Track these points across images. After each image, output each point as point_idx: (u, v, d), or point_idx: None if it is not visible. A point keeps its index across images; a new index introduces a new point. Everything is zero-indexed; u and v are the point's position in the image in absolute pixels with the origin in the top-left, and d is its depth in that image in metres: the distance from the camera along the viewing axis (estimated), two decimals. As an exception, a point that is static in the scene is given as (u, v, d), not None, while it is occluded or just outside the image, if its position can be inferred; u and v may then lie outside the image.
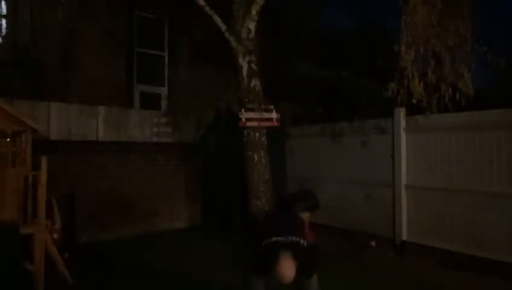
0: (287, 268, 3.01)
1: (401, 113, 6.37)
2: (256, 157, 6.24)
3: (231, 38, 6.25)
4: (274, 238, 3.27)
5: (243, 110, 6.21)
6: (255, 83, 6.34)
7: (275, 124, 6.54)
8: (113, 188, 7.22)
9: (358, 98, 8.33)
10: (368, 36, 11.68)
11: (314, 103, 9.19)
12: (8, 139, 5.11)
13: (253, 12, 6.18)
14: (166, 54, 9.10)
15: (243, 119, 6.19)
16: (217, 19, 6.29)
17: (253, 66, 6.31)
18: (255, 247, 3.42)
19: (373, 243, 6.57)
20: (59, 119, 6.83)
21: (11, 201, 4.57)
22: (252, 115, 6.25)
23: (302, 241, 3.31)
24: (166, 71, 9.08)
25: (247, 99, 6.27)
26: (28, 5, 7.13)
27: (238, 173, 6.71)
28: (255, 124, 6.27)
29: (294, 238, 3.26)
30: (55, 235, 5.40)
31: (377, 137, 6.80)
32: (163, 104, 8.76)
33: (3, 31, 7.28)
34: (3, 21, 7.24)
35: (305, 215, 7.44)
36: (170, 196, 8.02)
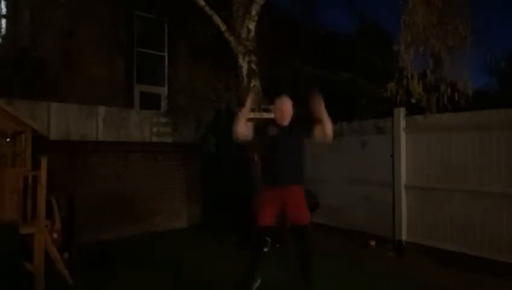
0: (287, 102, 3.97)
1: (400, 113, 6.37)
2: (256, 157, 6.24)
3: (231, 39, 6.26)
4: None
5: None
6: (255, 83, 6.34)
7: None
8: (113, 188, 7.22)
9: (358, 98, 8.32)
10: (367, 36, 11.68)
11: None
12: (8, 139, 5.11)
13: (253, 12, 6.19)
14: (166, 54, 9.10)
15: (243, 119, 6.18)
16: (217, 19, 6.29)
17: (253, 66, 6.32)
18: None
19: (373, 243, 6.57)
20: (59, 119, 6.83)
21: (11, 201, 4.57)
22: (252, 115, 6.25)
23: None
24: (166, 71, 9.08)
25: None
26: (28, 5, 7.13)
27: (238, 173, 6.70)
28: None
29: None
30: (55, 235, 5.40)
31: (376, 137, 6.80)
32: (163, 104, 8.76)
33: (3, 31, 7.28)
34: (3, 21, 7.24)
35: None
36: (170, 196, 8.02)
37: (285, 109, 3.87)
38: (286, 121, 3.93)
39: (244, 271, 4.34)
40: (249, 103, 3.97)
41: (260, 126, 4.03)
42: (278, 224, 4.17)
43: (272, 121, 4.03)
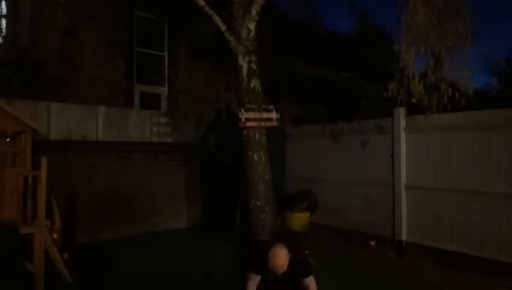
0: (280, 254, 3.18)
1: (400, 113, 6.37)
2: (256, 157, 6.24)
3: (231, 39, 6.25)
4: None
5: (242, 110, 6.21)
6: (255, 83, 6.34)
7: (275, 124, 6.54)
8: (113, 188, 7.21)
9: (358, 98, 8.33)
10: (367, 36, 11.68)
11: (314, 103, 9.19)
12: (8, 139, 5.11)
13: (253, 12, 6.18)
14: (166, 54, 9.10)
15: (243, 119, 6.19)
16: (217, 19, 6.29)
17: (253, 66, 6.32)
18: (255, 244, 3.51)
19: (373, 243, 6.57)
20: (59, 119, 6.83)
21: (11, 201, 4.57)
22: (252, 115, 6.25)
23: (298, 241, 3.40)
24: (166, 71, 9.07)
25: (247, 99, 6.27)
26: (28, 5, 7.13)
27: (238, 173, 6.70)
28: (255, 124, 6.27)
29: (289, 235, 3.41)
30: (55, 235, 5.41)
31: (376, 137, 6.80)
32: (163, 104, 8.76)
33: (3, 31, 7.28)
34: (3, 21, 7.24)
35: (305, 215, 7.49)
36: (170, 196, 8.02)
37: (278, 264, 3.19)
38: (282, 270, 3.29)
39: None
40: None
41: (259, 263, 3.44)
42: None
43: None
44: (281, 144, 8.52)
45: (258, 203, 6.19)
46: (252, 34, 6.27)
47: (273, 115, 6.51)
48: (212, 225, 7.73)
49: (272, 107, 6.51)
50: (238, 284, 4.40)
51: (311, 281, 3.41)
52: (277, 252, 3.20)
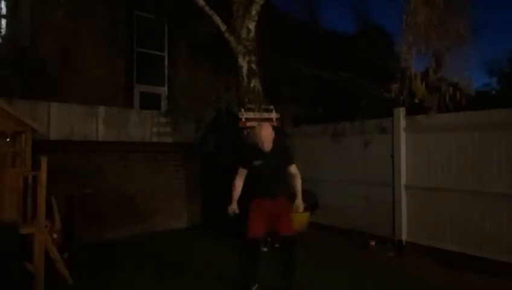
0: (266, 130, 4.09)
1: (401, 113, 6.36)
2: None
3: (231, 39, 6.26)
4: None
5: (242, 110, 6.21)
6: (255, 83, 6.35)
7: (275, 124, 6.55)
8: (113, 188, 7.21)
9: (358, 98, 8.33)
10: (367, 36, 11.69)
11: (314, 103, 9.20)
12: (8, 139, 5.11)
13: (253, 12, 6.19)
14: (166, 54, 9.10)
15: (243, 119, 6.19)
16: (217, 19, 6.29)
17: (253, 66, 6.33)
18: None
19: (373, 243, 6.57)
20: (59, 119, 6.82)
21: (11, 201, 4.57)
22: (252, 115, 6.26)
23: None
24: (166, 71, 9.08)
25: (247, 99, 6.28)
26: (28, 5, 7.14)
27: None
28: (255, 124, 6.27)
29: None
30: (55, 235, 5.41)
31: (376, 137, 6.80)
32: (163, 104, 8.76)
33: (3, 31, 7.28)
34: (3, 21, 7.24)
35: (305, 215, 7.49)
36: (170, 196, 8.02)
37: (265, 135, 4.08)
38: (268, 146, 4.15)
39: (243, 272, 4.36)
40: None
41: (246, 157, 4.30)
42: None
43: (256, 146, 4.25)
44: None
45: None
46: (252, 34, 6.28)
47: (273, 115, 6.51)
48: (212, 225, 7.72)
49: (271, 107, 6.51)
50: (238, 284, 4.41)
51: (294, 169, 4.37)
52: (264, 125, 4.17)
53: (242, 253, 4.35)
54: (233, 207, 4.29)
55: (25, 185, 4.62)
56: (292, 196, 4.39)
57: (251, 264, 4.24)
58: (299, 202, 4.40)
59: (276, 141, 4.14)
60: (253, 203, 4.26)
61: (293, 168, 4.40)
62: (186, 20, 8.12)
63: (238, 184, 4.32)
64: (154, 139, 8.02)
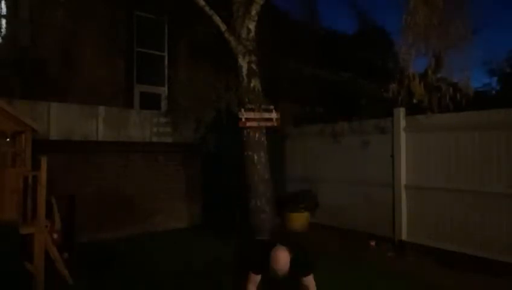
0: (282, 258, 3.11)
1: (400, 113, 6.37)
2: (256, 157, 6.24)
3: (231, 39, 6.25)
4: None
5: (242, 110, 6.21)
6: (255, 83, 6.34)
7: (275, 124, 6.55)
8: (113, 188, 7.21)
9: (358, 98, 8.33)
10: (367, 36, 11.69)
11: (314, 103, 9.20)
12: (8, 139, 5.11)
13: (253, 12, 6.18)
14: (166, 54, 9.09)
15: (243, 119, 6.19)
16: (217, 19, 6.29)
17: (253, 66, 6.32)
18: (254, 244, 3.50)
19: (373, 243, 6.57)
20: (59, 119, 6.82)
21: (11, 201, 4.57)
22: (252, 115, 6.26)
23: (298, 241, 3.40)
24: (166, 71, 9.07)
25: (247, 99, 6.27)
26: (28, 5, 7.13)
27: (238, 173, 6.70)
28: (255, 124, 6.27)
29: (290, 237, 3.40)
30: (55, 235, 5.41)
31: (376, 137, 6.80)
32: (163, 104, 8.76)
33: (3, 31, 7.28)
34: (3, 21, 7.24)
35: (305, 215, 7.50)
36: (170, 196, 8.02)
37: (280, 268, 3.12)
38: (284, 274, 3.20)
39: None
40: None
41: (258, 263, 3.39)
42: None
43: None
44: (281, 144, 8.52)
45: (258, 203, 6.19)
46: (252, 34, 6.27)
47: (273, 115, 6.51)
48: (212, 225, 7.72)
49: (272, 107, 6.51)
50: (237, 284, 4.40)
51: (310, 281, 3.37)
52: (278, 255, 3.12)
53: None
54: None
55: (25, 185, 4.62)
56: None
57: None
58: None
59: (293, 260, 3.18)
60: None
61: (310, 282, 3.36)
62: (186, 20, 8.12)
63: None
64: (154, 139, 8.02)
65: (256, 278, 3.41)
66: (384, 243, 6.41)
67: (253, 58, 6.30)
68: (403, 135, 6.38)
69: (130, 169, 7.52)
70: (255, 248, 3.68)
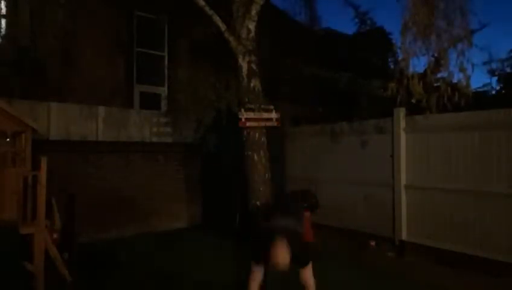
0: (281, 253, 3.18)
1: (400, 113, 6.37)
2: (256, 157, 6.24)
3: (231, 38, 6.25)
4: (272, 223, 3.57)
5: (242, 110, 6.21)
6: (255, 83, 6.33)
7: (275, 124, 6.54)
8: (113, 188, 7.22)
9: (358, 98, 8.32)
10: (367, 36, 11.68)
11: (314, 103, 9.19)
12: (8, 139, 5.11)
13: (253, 12, 6.18)
14: (166, 54, 9.10)
15: (243, 119, 6.19)
16: (217, 19, 6.28)
17: (253, 66, 6.31)
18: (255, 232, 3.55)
19: (373, 243, 6.57)
20: (59, 119, 6.83)
21: (11, 201, 4.58)
22: (252, 115, 6.25)
23: (299, 228, 3.58)
24: (166, 71, 9.07)
25: (247, 99, 6.27)
26: (28, 5, 7.13)
27: (238, 173, 6.70)
28: (255, 124, 6.27)
29: (291, 223, 3.54)
30: (55, 235, 5.41)
31: (376, 137, 6.80)
32: (163, 104, 8.76)
33: (3, 31, 7.28)
34: (3, 21, 7.24)
35: (305, 215, 7.47)
36: (170, 196, 8.02)
37: (280, 263, 3.18)
38: (284, 267, 3.27)
39: (244, 270, 4.35)
40: None
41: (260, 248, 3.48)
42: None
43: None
44: (281, 144, 8.52)
45: (259, 203, 6.19)
46: (252, 34, 6.27)
47: (273, 115, 6.51)
48: (212, 225, 7.73)
49: (272, 107, 6.51)
50: (237, 284, 4.40)
51: (306, 271, 3.43)
52: (278, 250, 3.17)
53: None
54: None
55: (25, 185, 4.62)
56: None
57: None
58: None
59: (293, 253, 3.22)
60: None
61: (306, 273, 3.42)
62: (186, 20, 8.11)
63: None
64: (154, 139, 8.02)
65: (257, 269, 3.47)
66: (384, 243, 6.41)
67: (253, 58, 6.30)
68: (402, 135, 6.38)
69: (130, 169, 7.52)
70: (255, 238, 3.80)
